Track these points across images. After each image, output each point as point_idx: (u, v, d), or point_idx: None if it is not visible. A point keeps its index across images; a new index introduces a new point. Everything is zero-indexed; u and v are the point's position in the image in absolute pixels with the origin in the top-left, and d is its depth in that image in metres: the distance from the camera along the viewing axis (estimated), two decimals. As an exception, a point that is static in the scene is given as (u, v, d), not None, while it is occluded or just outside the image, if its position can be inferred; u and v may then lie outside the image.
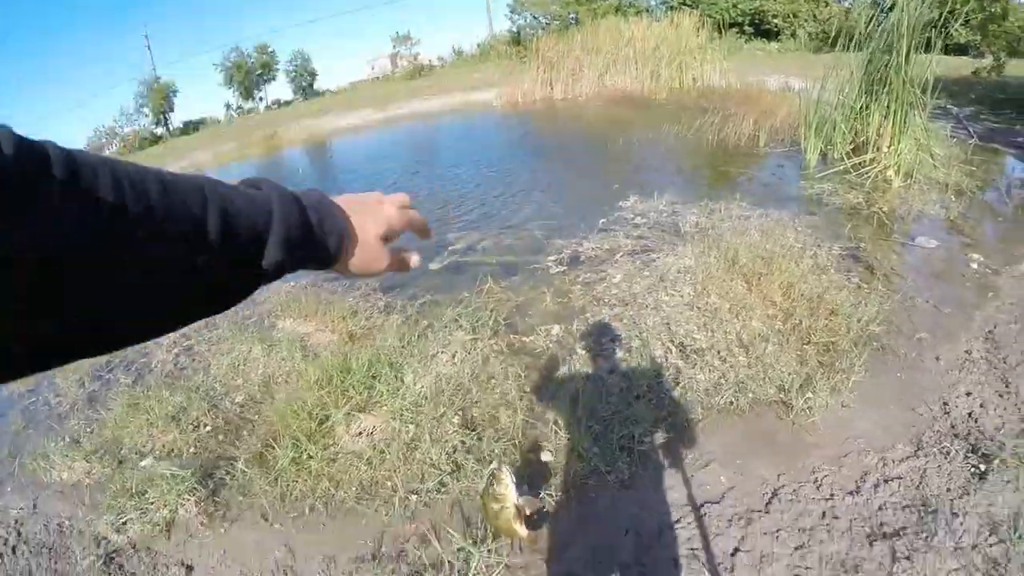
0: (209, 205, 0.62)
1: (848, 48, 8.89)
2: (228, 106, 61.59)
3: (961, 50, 19.90)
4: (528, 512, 2.46)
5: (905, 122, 8.07)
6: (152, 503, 3.82)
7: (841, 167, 8.16)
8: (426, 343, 4.82)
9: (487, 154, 13.65)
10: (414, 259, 1.02)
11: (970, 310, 4.81)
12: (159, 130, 56.09)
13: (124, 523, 3.77)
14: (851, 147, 8.64)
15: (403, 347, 4.78)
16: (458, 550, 3.04)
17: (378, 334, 5.19)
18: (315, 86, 62.31)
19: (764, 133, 10.54)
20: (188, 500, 3.76)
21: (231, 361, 5.30)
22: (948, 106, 11.50)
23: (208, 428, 4.56)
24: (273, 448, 3.95)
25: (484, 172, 11.83)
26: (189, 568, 3.43)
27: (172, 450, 4.39)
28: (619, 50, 20.31)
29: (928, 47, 8.22)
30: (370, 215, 0.87)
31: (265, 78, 60.72)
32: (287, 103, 58.70)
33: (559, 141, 13.80)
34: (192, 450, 4.35)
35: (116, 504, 3.86)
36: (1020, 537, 2.83)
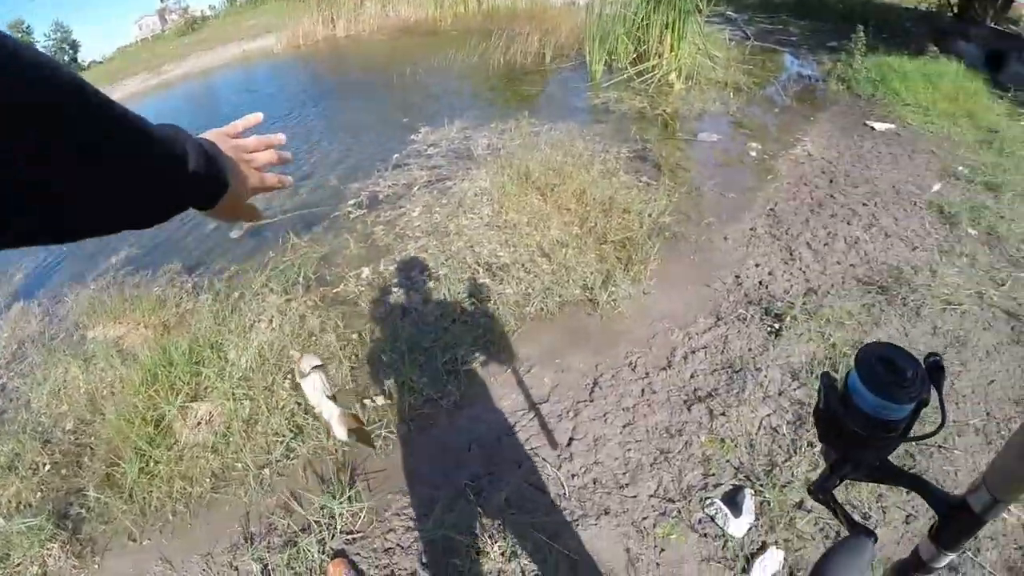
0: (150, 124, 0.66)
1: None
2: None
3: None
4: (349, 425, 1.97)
5: (684, 29, 8.42)
6: (19, 566, 3.48)
7: (625, 76, 8.44)
8: (241, 315, 4.62)
9: (272, 106, 13.12)
10: (287, 180, 1.12)
11: (752, 192, 5.19)
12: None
13: None
14: (634, 56, 8.93)
15: (219, 325, 4.56)
16: (321, 508, 3.03)
17: (192, 318, 4.92)
18: (79, 59, 57.50)
19: (550, 50, 10.72)
20: (52, 548, 3.42)
21: (50, 388, 4.84)
22: (727, 12, 12.14)
23: (48, 467, 4.16)
24: (118, 465, 3.68)
25: (271, 126, 11.34)
26: None
27: (19, 503, 3.99)
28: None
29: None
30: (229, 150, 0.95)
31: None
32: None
33: (345, 81, 13.48)
34: (39, 495, 3.96)
35: None
36: (816, 376, 3.13)
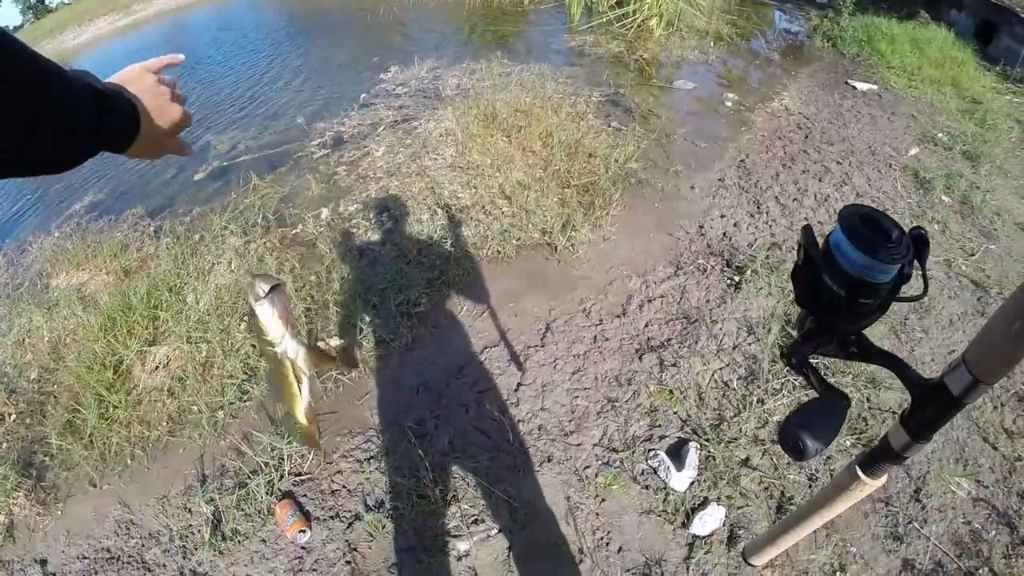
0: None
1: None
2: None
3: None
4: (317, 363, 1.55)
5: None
6: None
7: (604, 19, 8.26)
8: (200, 258, 4.55)
9: (243, 45, 12.84)
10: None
11: (724, 143, 5.10)
12: None
13: None
14: (614, 2, 8.70)
15: (179, 269, 4.48)
16: (272, 449, 3.03)
17: (152, 262, 4.84)
18: (46, 1, 55.83)
19: (528, -11, 10.43)
20: (17, 497, 3.46)
21: (15, 338, 4.77)
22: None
23: (13, 416, 4.12)
24: (79, 411, 3.68)
25: (242, 66, 11.06)
26: (43, 562, 3.19)
27: None
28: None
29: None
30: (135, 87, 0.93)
31: (-17, 2, 53.80)
32: (17, 28, 52.64)
33: (317, 18, 13.26)
34: (4, 445, 3.94)
35: None
36: (769, 331, 3.07)
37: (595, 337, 3.23)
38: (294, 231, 4.64)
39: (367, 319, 3.56)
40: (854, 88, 6.20)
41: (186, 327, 3.83)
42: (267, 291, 1.36)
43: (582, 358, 3.12)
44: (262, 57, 10.90)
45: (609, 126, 5.21)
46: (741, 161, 4.82)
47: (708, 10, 8.35)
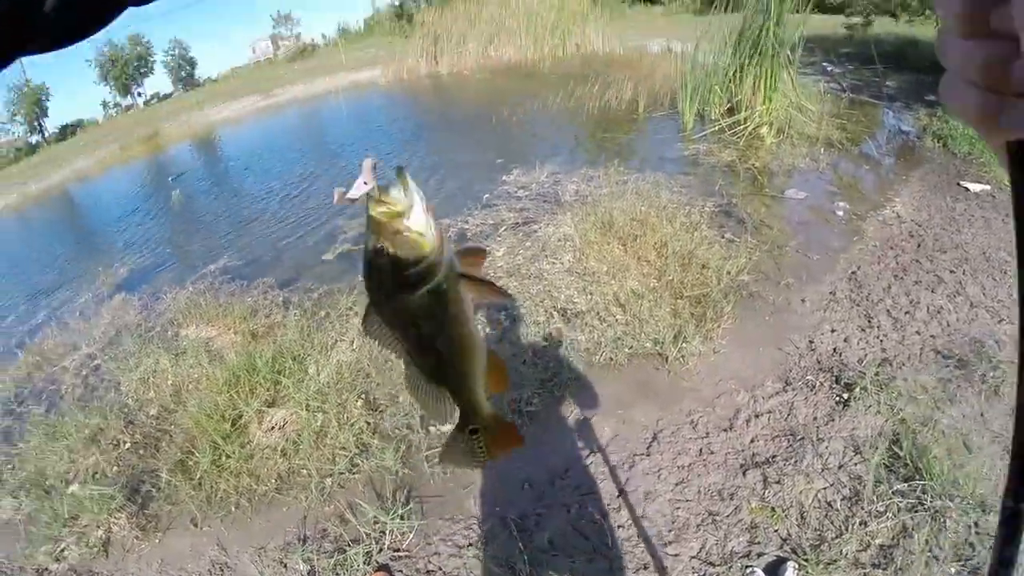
0: None
1: (726, 10, 9.17)
2: (105, 104, 58.87)
3: (835, 9, 20.56)
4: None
5: (777, 81, 8.37)
6: (86, 526, 3.82)
7: (717, 127, 8.43)
8: (325, 333, 4.88)
9: (374, 135, 13.62)
10: None
11: (835, 254, 5.12)
12: (34, 139, 53.39)
13: (62, 551, 3.76)
14: (726, 107, 8.90)
15: (303, 340, 4.84)
16: (374, 522, 3.19)
17: (279, 330, 5.22)
18: (195, 75, 59.96)
19: (644, 98, 10.75)
20: (120, 518, 3.78)
21: (140, 375, 5.22)
22: (822, 63, 11.96)
23: (127, 445, 4.51)
24: (192, 454, 3.99)
25: (370, 153, 11.74)
26: None
27: (96, 472, 4.33)
28: (504, 20, 20.16)
29: (800, 8, 8.57)
30: None
31: (142, 71, 58.06)
32: (167, 96, 56.51)
33: (445, 117, 13.88)
34: (115, 469, 4.31)
35: (51, 533, 3.84)
36: (876, 451, 3.10)
37: (700, 450, 3.31)
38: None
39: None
40: (966, 189, 6.09)
41: (305, 395, 4.11)
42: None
43: (686, 469, 3.21)
44: (390, 150, 11.51)
45: (722, 237, 5.33)
46: (852, 273, 4.83)
47: (818, 115, 8.36)
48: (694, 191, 6.48)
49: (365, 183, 0.88)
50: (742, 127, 8.25)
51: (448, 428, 1.19)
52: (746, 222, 5.68)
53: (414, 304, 0.89)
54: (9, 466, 4.77)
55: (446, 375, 0.97)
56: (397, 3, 35.24)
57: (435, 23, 22.20)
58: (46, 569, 3.72)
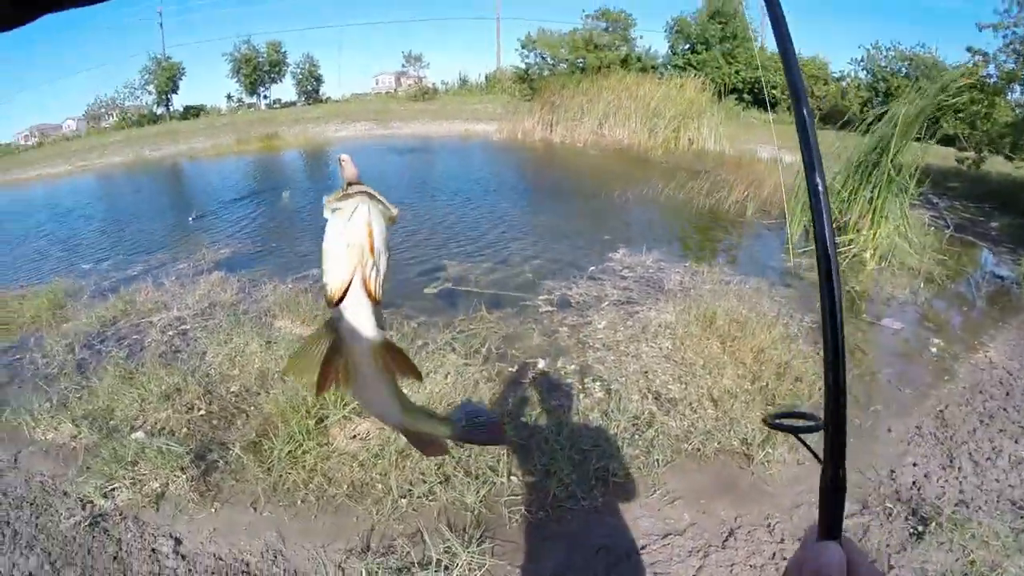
0: None
1: (840, 128, 9.33)
2: (230, 97, 61.04)
3: (947, 141, 20.44)
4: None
5: (886, 208, 8.45)
6: (144, 475, 4.01)
7: (821, 244, 8.49)
8: (421, 361, 5.11)
9: (484, 186, 14.03)
10: None
11: (925, 389, 5.20)
12: (160, 110, 55.67)
13: (113, 490, 3.95)
14: (834, 226, 8.92)
15: None
16: (445, 550, 3.34)
17: None
18: (319, 92, 61.80)
19: (752, 202, 10.96)
20: (180, 477, 3.97)
21: (228, 352, 5.50)
22: (929, 195, 11.96)
23: (202, 412, 4.75)
24: (269, 439, 4.19)
25: (480, 204, 12.28)
26: (178, 541, 3.63)
27: (164, 427, 4.53)
28: (621, 102, 20.55)
29: (920, 137, 8.70)
30: None
31: (272, 76, 60.09)
32: (289, 104, 58.31)
33: (555, 184, 14.19)
34: (185, 431, 4.51)
35: (106, 471, 4.03)
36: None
37: (774, 553, 3.42)
38: (511, 369, 5.15)
39: (565, 470, 3.89)
40: (1063, 346, 6.07)
41: None
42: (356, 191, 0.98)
43: (759, 570, 3.32)
44: (499, 204, 11.89)
45: (817, 354, 5.39)
46: (940, 411, 4.88)
47: (920, 247, 8.41)
48: (794, 304, 6.61)
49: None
50: (846, 248, 8.32)
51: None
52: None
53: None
54: (77, 395, 5.04)
55: None
56: (523, 66, 35.87)
57: (555, 92, 22.76)
58: (91, 502, 3.91)
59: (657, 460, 4.04)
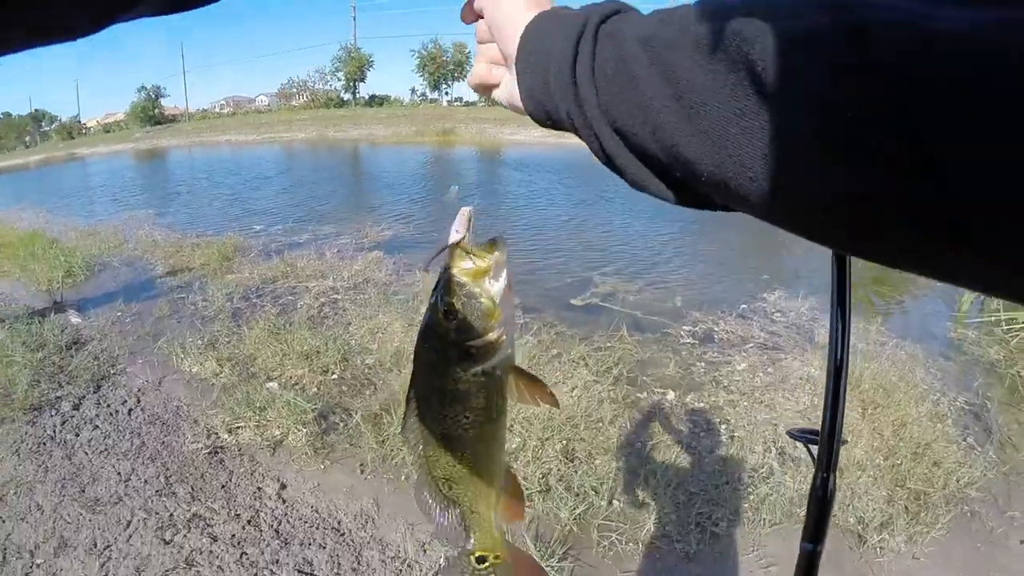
0: None
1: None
2: (413, 91, 64.10)
3: None
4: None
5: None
6: (269, 421, 4.44)
7: (993, 318, 7.98)
8: (551, 370, 5.20)
9: (646, 206, 13.92)
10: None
11: (1073, 504, 4.78)
12: (347, 96, 58.78)
13: (237, 427, 4.43)
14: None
15: (530, 366, 5.16)
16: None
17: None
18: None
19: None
20: (301, 431, 4.35)
21: (371, 326, 5.89)
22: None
23: (335, 376, 5.14)
24: (389, 414, 4.46)
25: (640, 224, 12.29)
26: (283, 486, 3.99)
27: (298, 383, 5.01)
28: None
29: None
30: None
31: (456, 75, 62.32)
32: (470, 104, 60.19)
33: (720, 215, 13.90)
34: (315, 390, 4.96)
35: (236, 410, 4.52)
36: None
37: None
38: (639, 395, 5.13)
39: (666, 508, 3.86)
40: None
41: (512, 416, 4.37)
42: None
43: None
44: (660, 226, 11.77)
45: (964, 439, 5.08)
46: None
47: None
48: (949, 380, 6.17)
49: (456, 231, 0.84)
50: (1020, 326, 7.74)
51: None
52: (993, 433, 5.38)
53: (461, 382, 0.85)
54: (227, 339, 5.55)
55: (463, 478, 0.91)
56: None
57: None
58: (216, 433, 4.37)
59: (765, 519, 3.91)
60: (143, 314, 6.61)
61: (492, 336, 0.82)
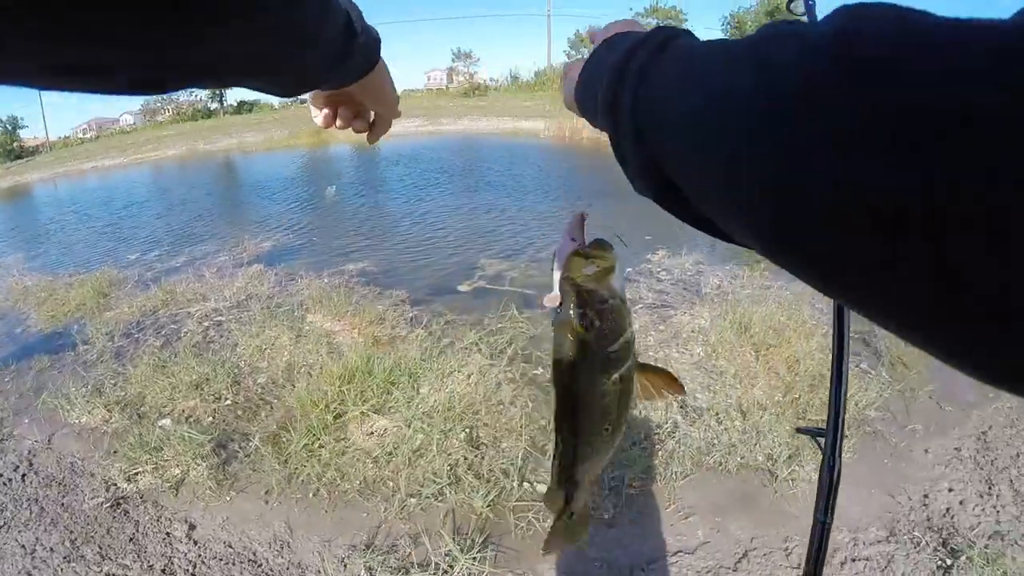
0: None
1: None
2: (280, 94, 63.25)
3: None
4: None
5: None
6: (166, 461, 4.20)
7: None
8: (445, 360, 5.08)
9: (527, 184, 14.00)
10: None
11: (968, 409, 4.92)
12: (213, 105, 57.22)
13: (136, 474, 4.17)
14: None
15: (423, 360, 5.07)
16: (445, 554, 3.31)
17: (401, 344, 5.50)
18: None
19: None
20: (200, 465, 4.13)
21: (259, 344, 5.68)
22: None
23: (228, 402, 4.93)
24: (288, 432, 4.28)
25: (522, 202, 12.32)
26: (192, 526, 3.78)
27: (191, 416, 4.79)
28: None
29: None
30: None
31: (322, 75, 61.92)
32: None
33: (600, 183, 13.97)
34: (210, 419, 4.75)
35: (132, 455, 4.25)
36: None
37: (790, 578, 3.27)
38: (535, 371, 5.06)
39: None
40: None
41: (412, 413, 4.32)
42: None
43: (771, 596, 3.17)
44: (540, 202, 11.92)
45: (857, 366, 5.22)
46: (983, 433, 4.61)
47: None
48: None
49: (572, 239, 0.85)
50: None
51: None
52: (883, 355, 5.53)
53: (607, 393, 0.83)
54: (112, 382, 5.33)
55: (582, 459, 0.91)
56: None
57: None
58: (115, 484, 4.12)
59: (675, 473, 3.90)
60: (21, 370, 6.17)
61: (628, 335, 0.82)
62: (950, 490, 4.02)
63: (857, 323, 5.62)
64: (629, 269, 7.43)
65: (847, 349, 1.67)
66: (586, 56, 0.82)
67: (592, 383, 0.82)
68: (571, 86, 0.87)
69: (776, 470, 3.93)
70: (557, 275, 0.87)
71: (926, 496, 3.94)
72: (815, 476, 3.80)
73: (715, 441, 4.15)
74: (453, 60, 60.24)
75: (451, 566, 3.25)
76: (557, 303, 0.85)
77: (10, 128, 51.42)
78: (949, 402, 4.98)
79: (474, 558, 3.27)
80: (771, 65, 0.43)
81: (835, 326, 1.68)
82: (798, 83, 0.40)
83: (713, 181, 0.49)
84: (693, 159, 0.52)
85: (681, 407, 4.49)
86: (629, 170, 0.68)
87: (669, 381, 0.88)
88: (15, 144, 50.61)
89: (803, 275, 0.44)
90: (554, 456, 0.93)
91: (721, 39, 0.56)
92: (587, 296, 0.80)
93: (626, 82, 0.64)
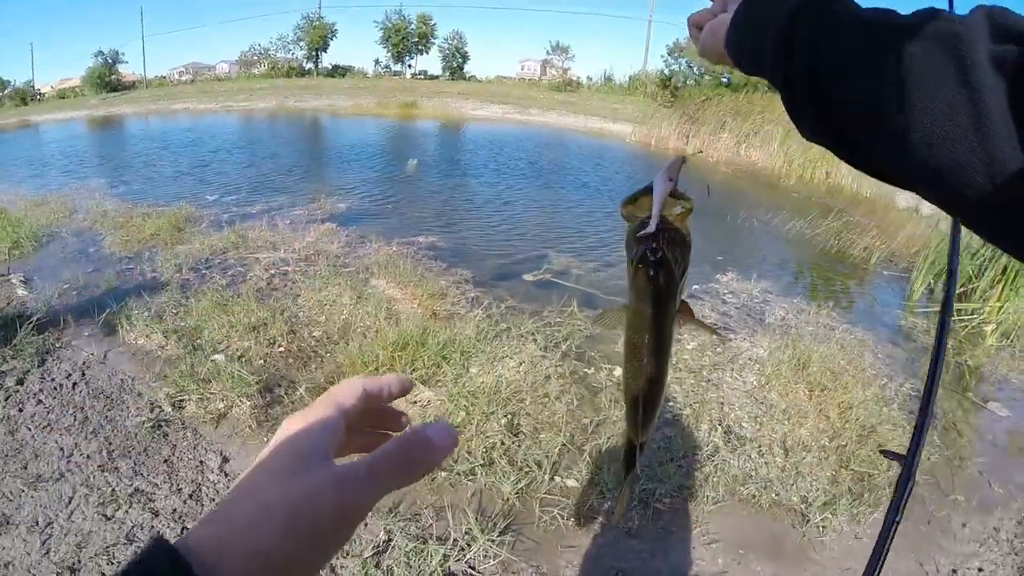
0: None
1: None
2: (377, 62, 63.46)
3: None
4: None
5: (1019, 283, 7.85)
6: (213, 393, 4.35)
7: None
8: (499, 344, 5.14)
9: (613, 188, 13.94)
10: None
11: (1015, 490, 4.74)
12: (308, 65, 58.06)
13: (182, 400, 4.34)
14: (961, 290, 8.39)
15: (477, 340, 5.14)
16: (466, 531, 3.35)
17: (458, 321, 5.58)
18: (463, 69, 63.29)
19: (879, 251, 10.29)
20: (245, 403, 4.28)
21: (320, 298, 5.81)
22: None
23: (282, 349, 5.05)
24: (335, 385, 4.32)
25: (599, 204, 12.26)
26: (225, 459, 3.91)
27: (243, 356, 4.90)
28: (763, 124, 19.99)
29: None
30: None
31: (420, 48, 61.86)
32: (433, 77, 60.03)
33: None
34: (261, 362, 4.86)
35: (180, 383, 4.42)
36: None
37: (802, 628, 3.21)
38: (586, 370, 5.09)
39: (609, 484, 3.81)
40: None
41: (458, 389, 4.38)
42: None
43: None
44: (617, 206, 11.87)
45: (909, 424, 5.10)
46: None
47: None
48: (897, 365, 6.19)
49: (670, 178, 0.94)
50: (969, 317, 7.79)
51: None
52: (937, 419, 5.39)
53: (673, 314, 0.96)
54: (174, 311, 5.48)
55: (654, 398, 1.07)
56: (667, 72, 35.44)
57: (696, 104, 22.69)
58: (160, 407, 4.29)
59: (707, 497, 3.87)
60: (90, 286, 6.40)
61: (687, 269, 0.94)
62: (980, 570, 3.90)
63: (913, 380, 5.55)
64: (696, 286, 7.37)
65: (938, 381, 1.66)
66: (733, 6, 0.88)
67: (667, 307, 0.92)
68: (714, 33, 0.93)
69: (809, 514, 3.85)
70: (646, 200, 0.96)
71: (954, 572, 3.83)
72: (847, 527, 3.80)
73: (752, 473, 4.10)
74: (548, 53, 60.21)
75: (469, 544, 3.28)
76: (636, 219, 0.97)
77: (110, 61, 52.96)
78: (997, 479, 4.83)
79: (493, 540, 3.30)
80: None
81: (933, 352, 1.70)
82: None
83: (901, 149, 0.63)
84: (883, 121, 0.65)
85: (725, 432, 4.45)
86: (796, 104, 0.79)
87: (685, 309, 0.99)
88: (113, 77, 52.10)
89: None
90: (626, 394, 1.10)
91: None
92: (673, 232, 0.90)
93: (806, 21, 0.72)
